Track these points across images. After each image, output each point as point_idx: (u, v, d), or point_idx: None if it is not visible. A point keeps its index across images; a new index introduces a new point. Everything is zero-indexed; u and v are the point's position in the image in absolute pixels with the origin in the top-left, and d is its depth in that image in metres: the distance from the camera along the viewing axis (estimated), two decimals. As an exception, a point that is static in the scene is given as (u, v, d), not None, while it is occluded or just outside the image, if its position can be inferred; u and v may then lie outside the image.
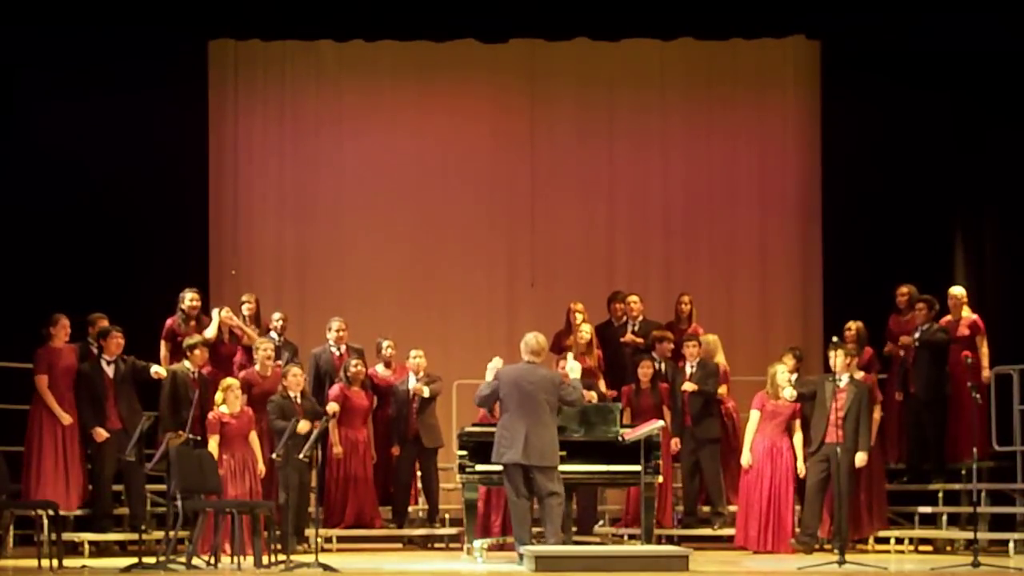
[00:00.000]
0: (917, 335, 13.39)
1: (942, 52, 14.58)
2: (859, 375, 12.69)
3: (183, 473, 10.99)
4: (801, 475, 12.62)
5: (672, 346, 13.69)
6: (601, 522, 13.66)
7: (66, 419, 12.36)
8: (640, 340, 13.97)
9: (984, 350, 13.37)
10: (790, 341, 14.45)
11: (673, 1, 14.93)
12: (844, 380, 12.34)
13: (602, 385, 13.40)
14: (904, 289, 13.78)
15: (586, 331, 13.63)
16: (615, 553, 10.98)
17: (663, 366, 13.54)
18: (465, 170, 15.89)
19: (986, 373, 13.29)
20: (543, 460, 10.89)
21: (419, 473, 13.49)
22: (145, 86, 14.61)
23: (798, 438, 12.68)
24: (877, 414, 12.82)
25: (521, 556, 10.95)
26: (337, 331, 13.59)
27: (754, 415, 12.76)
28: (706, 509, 13.40)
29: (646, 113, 15.98)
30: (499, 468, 11.37)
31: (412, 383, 13.32)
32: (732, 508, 13.31)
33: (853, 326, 13.35)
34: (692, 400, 13.27)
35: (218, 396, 12.09)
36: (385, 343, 13.63)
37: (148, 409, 12.64)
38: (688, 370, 13.38)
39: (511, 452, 10.89)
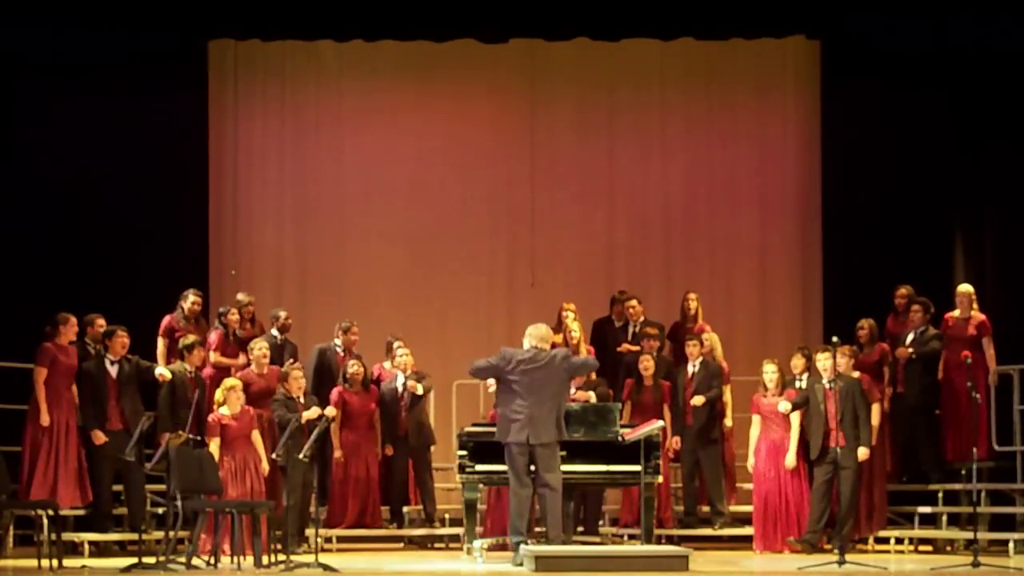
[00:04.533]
0: (910, 342, 13.38)
1: (942, 52, 14.59)
2: (855, 375, 12.68)
3: (183, 473, 10.99)
4: (790, 466, 12.61)
5: (658, 343, 13.68)
6: (601, 522, 13.67)
7: (45, 419, 12.34)
8: (636, 348, 13.94)
9: (991, 351, 13.36)
10: (790, 341, 14.45)
11: (673, 1, 14.93)
12: (833, 381, 12.32)
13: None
14: (903, 291, 13.79)
15: (575, 330, 13.60)
16: (615, 553, 10.97)
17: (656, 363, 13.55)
18: (465, 170, 15.88)
19: (994, 374, 13.28)
20: (546, 437, 10.91)
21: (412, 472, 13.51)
22: (145, 86, 14.62)
23: (794, 431, 12.66)
24: (876, 413, 12.79)
25: (516, 549, 10.94)
26: (349, 335, 13.55)
27: (756, 419, 12.78)
28: (706, 509, 13.40)
29: (646, 113, 15.98)
30: (499, 468, 11.37)
31: (400, 381, 13.31)
32: (730, 508, 13.36)
33: (867, 324, 13.36)
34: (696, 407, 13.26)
35: (218, 395, 12.08)
36: (396, 343, 13.60)
37: (149, 409, 12.64)
38: (691, 369, 13.37)
39: (516, 432, 10.90)
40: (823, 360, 12.29)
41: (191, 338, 12.87)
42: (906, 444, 13.50)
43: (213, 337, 13.35)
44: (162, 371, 12.75)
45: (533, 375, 10.96)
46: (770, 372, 12.76)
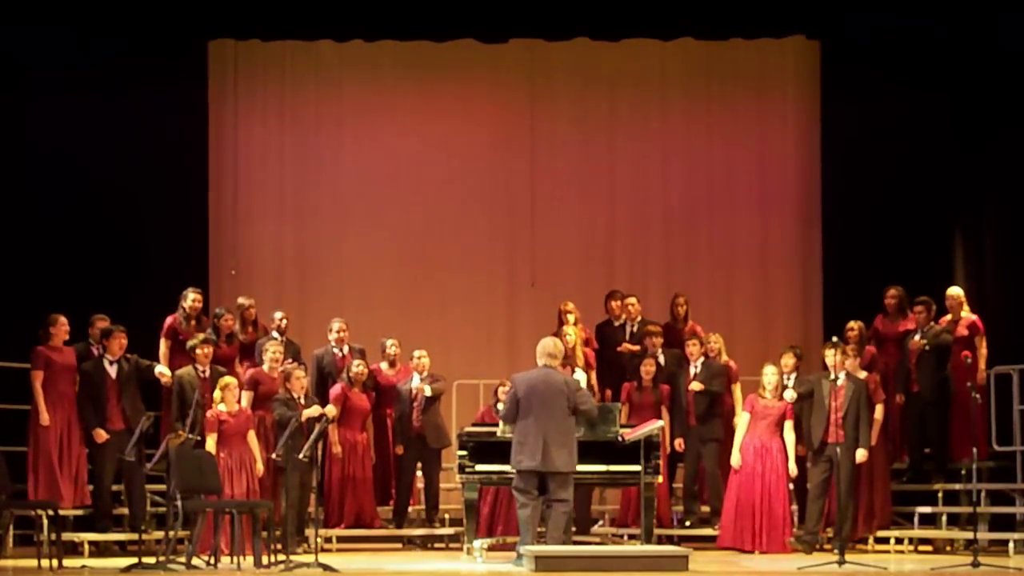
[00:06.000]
0: (919, 336, 13.38)
1: (942, 52, 14.58)
2: (862, 375, 12.70)
3: (183, 473, 10.99)
4: (792, 475, 12.64)
5: (661, 340, 13.67)
6: (601, 522, 13.66)
7: (45, 419, 12.35)
8: (636, 348, 13.94)
9: (983, 351, 13.36)
10: (790, 341, 14.42)
11: (673, 1, 14.93)
12: (841, 378, 12.33)
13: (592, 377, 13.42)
14: (894, 291, 13.77)
15: (571, 335, 13.54)
16: (615, 553, 10.98)
17: (662, 359, 13.53)
18: (465, 170, 15.88)
19: (982, 374, 13.29)
20: (564, 467, 10.85)
21: (419, 473, 13.49)
22: (145, 86, 14.61)
23: (790, 438, 12.68)
24: (879, 413, 12.83)
25: (519, 555, 10.94)
26: (338, 332, 13.62)
27: (744, 416, 12.80)
28: (706, 509, 13.40)
29: (646, 113, 15.98)
30: (499, 468, 11.36)
31: (415, 383, 13.33)
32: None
33: (856, 326, 13.35)
34: (697, 399, 13.26)
35: (216, 394, 12.08)
36: (389, 342, 13.64)
37: (151, 409, 12.64)
38: (692, 370, 13.37)
39: (531, 459, 10.81)
40: (831, 357, 12.26)
41: (199, 337, 12.86)
42: (918, 440, 13.48)
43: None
44: (161, 369, 12.74)
45: (543, 396, 10.85)
46: (770, 374, 12.76)
